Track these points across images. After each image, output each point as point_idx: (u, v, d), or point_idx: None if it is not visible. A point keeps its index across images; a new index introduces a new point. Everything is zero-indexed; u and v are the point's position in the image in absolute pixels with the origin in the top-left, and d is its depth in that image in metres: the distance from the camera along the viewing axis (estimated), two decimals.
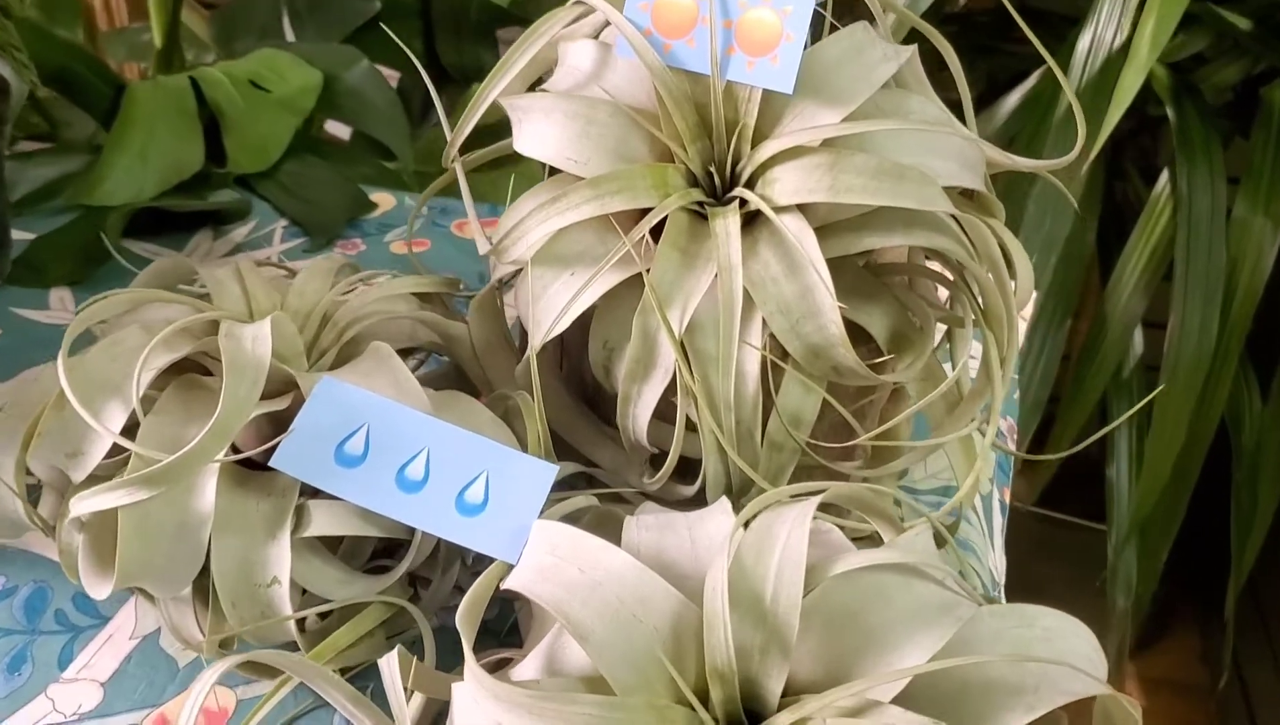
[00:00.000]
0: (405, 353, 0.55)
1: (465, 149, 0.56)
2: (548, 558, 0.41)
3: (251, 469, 0.48)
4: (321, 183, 0.86)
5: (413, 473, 0.45)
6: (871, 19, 0.50)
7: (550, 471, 0.45)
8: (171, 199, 0.81)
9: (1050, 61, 0.51)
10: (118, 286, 0.60)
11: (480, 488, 0.44)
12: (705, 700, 0.38)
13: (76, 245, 0.78)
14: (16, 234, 0.78)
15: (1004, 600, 0.61)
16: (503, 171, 0.74)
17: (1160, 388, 1.13)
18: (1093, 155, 0.88)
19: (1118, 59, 1.00)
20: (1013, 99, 1.24)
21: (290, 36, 1.14)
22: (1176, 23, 0.85)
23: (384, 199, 0.86)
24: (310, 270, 0.55)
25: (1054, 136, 1.02)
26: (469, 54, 1.15)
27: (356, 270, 0.58)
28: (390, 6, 1.13)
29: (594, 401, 0.56)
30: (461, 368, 0.56)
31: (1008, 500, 0.66)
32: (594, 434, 0.55)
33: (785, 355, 0.48)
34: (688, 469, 0.51)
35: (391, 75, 1.25)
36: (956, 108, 0.56)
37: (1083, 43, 1.03)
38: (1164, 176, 1.17)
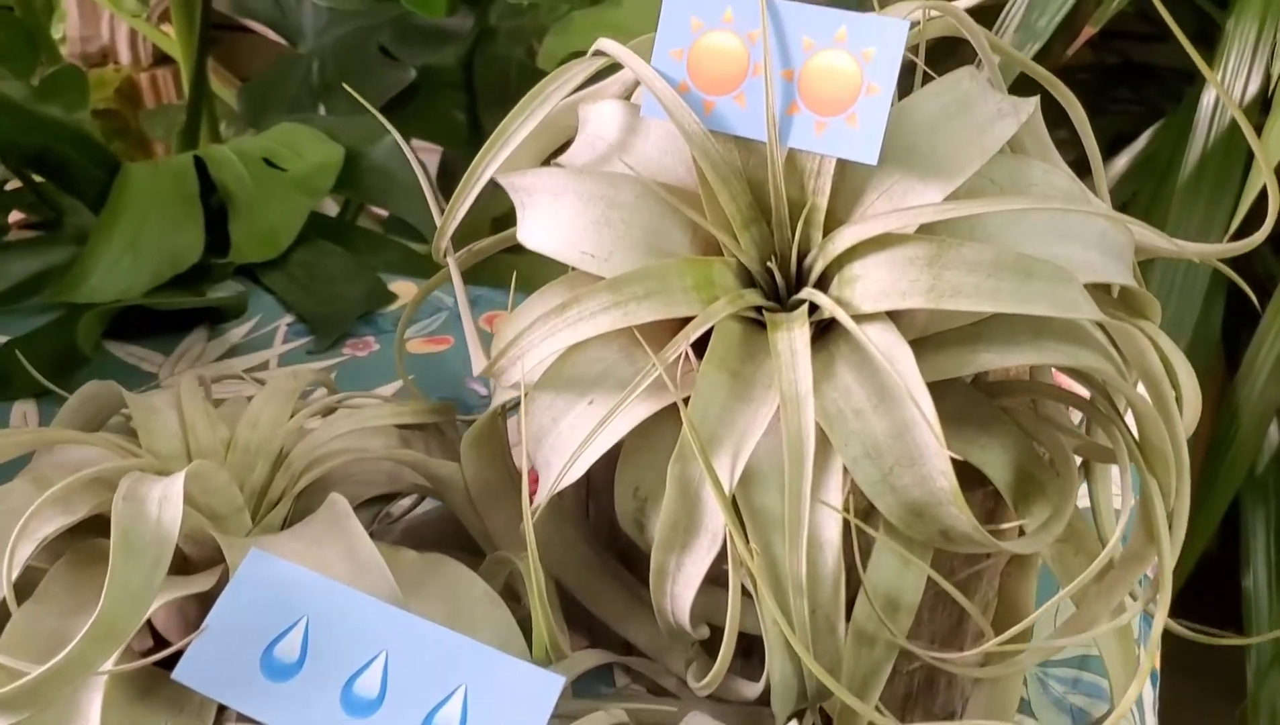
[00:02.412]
0: (388, 498, 0.44)
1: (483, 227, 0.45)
2: None
3: (160, 666, 0.36)
4: (335, 273, 0.76)
5: (365, 688, 0.33)
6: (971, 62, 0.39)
7: (554, 685, 0.33)
8: (163, 295, 0.71)
9: (1235, 109, 0.38)
10: None
11: (456, 709, 0.32)
12: None
13: (51, 351, 0.68)
14: None
15: None
16: (527, 254, 0.63)
17: None
18: (1232, 229, 0.75)
19: (1251, 112, 0.87)
20: (1121, 161, 1.11)
21: (322, 110, 1.04)
22: None
23: (406, 289, 0.76)
24: (268, 393, 0.43)
25: (1179, 202, 0.88)
26: None
27: (332, 389, 0.47)
28: (429, 75, 1.03)
29: (629, 556, 0.44)
30: (457, 515, 0.44)
31: (1158, 665, 0.52)
32: (628, 604, 0.43)
33: (871, 510, 0.35)
34: (750, 647, 0.39)
35: (434, 149, 1.16)
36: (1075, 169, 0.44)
37: (1207, 98, 0.90)
38: None
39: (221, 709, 0.35)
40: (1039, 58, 0.92)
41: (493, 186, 0.43)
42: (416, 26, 1.02)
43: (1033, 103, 0.38)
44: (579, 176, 0.38)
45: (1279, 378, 1.03)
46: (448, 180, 1.13)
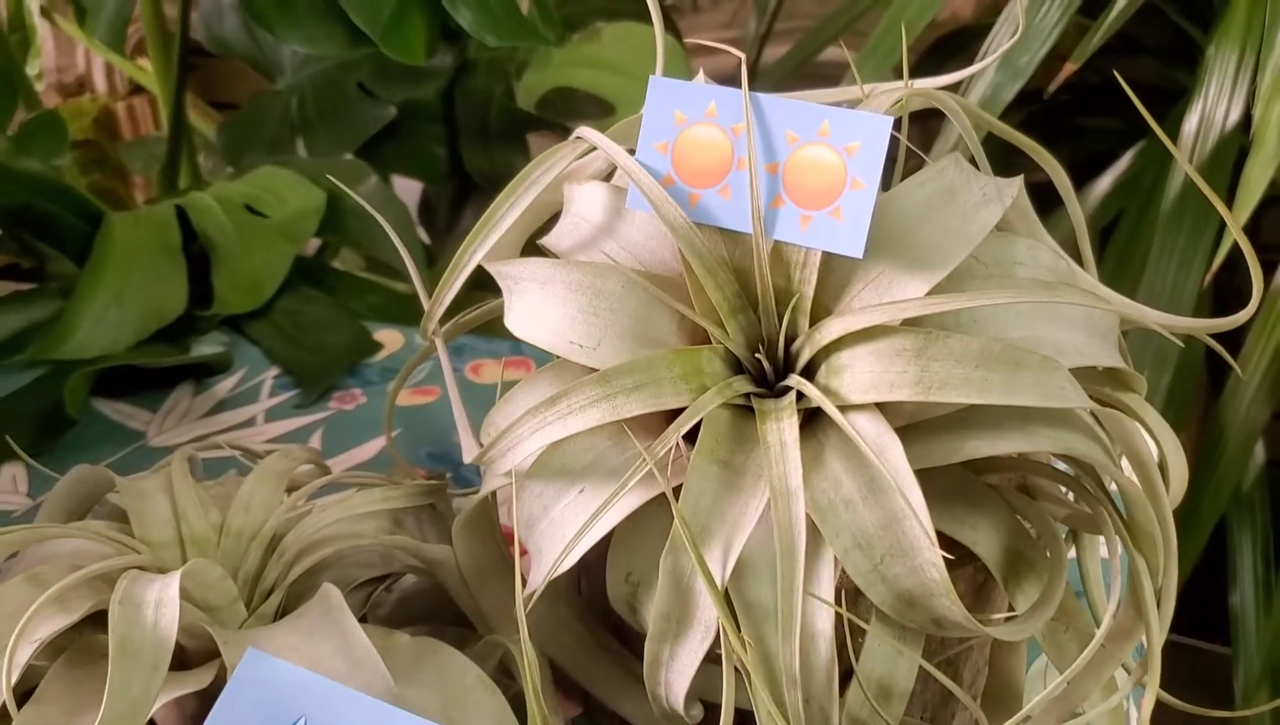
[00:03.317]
0: (376, 581, 0.44)
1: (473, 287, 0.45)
2: None
3: None
4: (320, 322, 0.76)
5: None
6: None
7: None
8: (149, 351, 0.71)
9: (1174, 148, 0.39)
10: (80, 459, 0.50)
11: None
12: None
13: (37, 410, 0.68)
14: None
15: None
16: None
17: None
18: (1216, 267, 0.75)
19: (1232, 140, 0.88)
20: (1104, 182, 1.12)
21: (302, 146, 1.04)
22: None
23: (391, 338, 0.76)
24: (259, 476, 0.43)
25: (1163, 228, 0.89)
26: (498, 158, 1.05)
27: (323, 469, 0.47)
28: (409, 110, 1.03)
29: (623, 631, 0.44)
30: (450, 594, 0.44)
31: (1147, 714, 0.53)
32: (623, 681, 0.43)
33: (860, 597, 0.36)
34: (745, 722, 0.39)
35: (414, 185, 1.16)
36: (1036, 186, 0.44)
37: (1190, 122, 0.91)
38: None
39: None
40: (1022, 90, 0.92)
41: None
42: (395, 63, 1.02)
43: (1016, 184, 0.38)
44: (566, 266, 0.38)
45: (1263, 397, 1.04)
46: (429, 214, 1.13)
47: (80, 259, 0.77)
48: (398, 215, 0.86)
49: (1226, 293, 1.18)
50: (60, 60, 1.62)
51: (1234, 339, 1.08)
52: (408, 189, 1.11)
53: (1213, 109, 0.88)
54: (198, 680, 0.37)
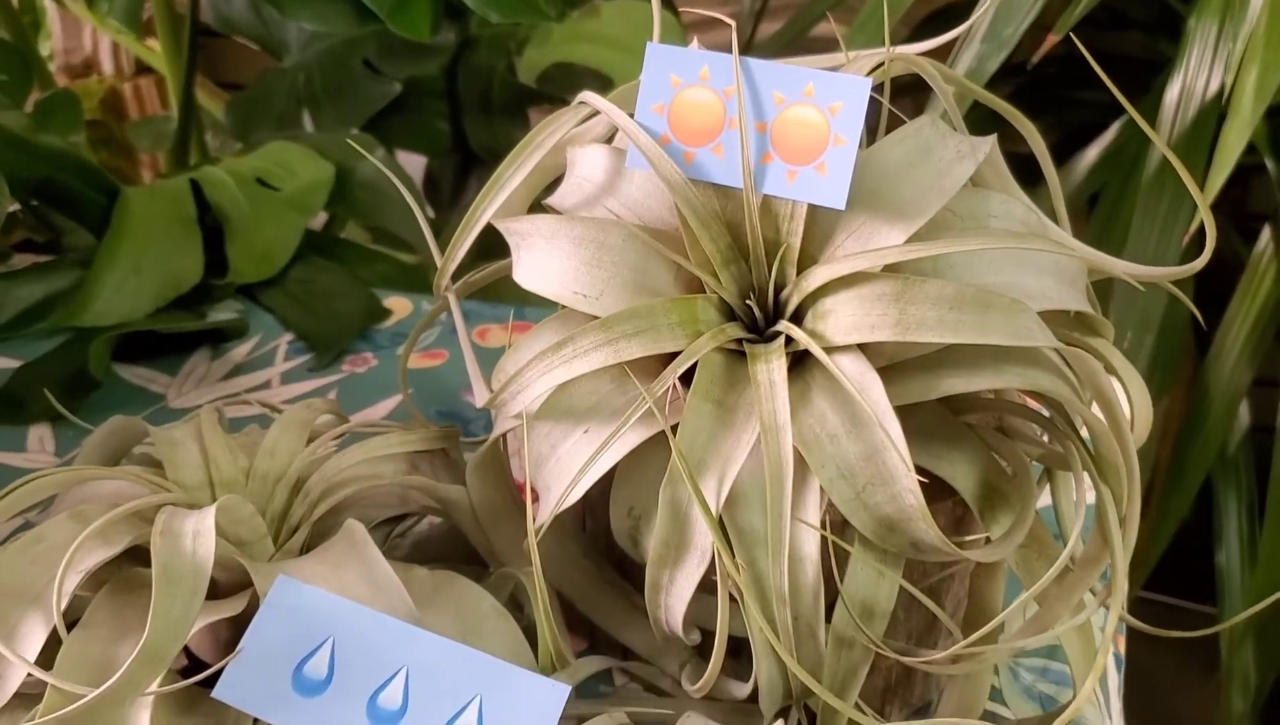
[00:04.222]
0: (395, 520, 0.47)
1: (479, 253, 0.48)
2: None
3: (203, 685, 0.39)
4: (331, 290, 0.79)
5: (388, 701, 0.36)
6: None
7: (560, 694, 0.36)
8: (166, 318, 0.74)
9: (1143, 123, 0.41)
10: (104, 419, 0.53)
11: (472, 718, 0.35)
12: None
13: (62, 374, 0.70)
14: (0, 361, 0.71)
15: None
16: None
17: (1274, 469, 1.01)
18: (1193, 229, 0.78)
19: (1212, 109, 0.90)
20: (1091, 153, 1.14)
21: (309, 122, 1.07)
22: None
23: (400, 305, 0.79)
24: (284, 424, 0.46)
25: (1145, 196, 0.91)
26: (500, 133, 1.07)
27: (341, 418, 0.50)
28: (414, 86, 1.06)
29: (625, 567, 0.47)
30: (464, 533, 0.47)
31: (1124, 650, 0.56)
32: (626, 612, 0.46)
33: (847, 524, 0.39)
34: (739, 647, 0.42)
35: (419, 159, 1.18)
36: (1025, 160, 0.47)
37: (1171, 92, 0.93)
38: (1266, 232, 1.06)
39: (256, 722, 0.38)
40: (1008, 60, 0.95)
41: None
42: (400, 40, 1.05)
43: (989, 141, 0.41)
44: (570, 222, 0.41)
45: (1247, 360, 1.07)
46: (433, 188, 1.15)
47: (99, 231, 0.79)
48: (406, 186, 0.88)
49: (1215, 264, 1.21)
50: (68, 42, 1.64)
51: (1219, 306, 1.11)
52: (412, 163, 1.14)
53: (1193, 79, 0.91)
54: (231, 608, 0.39)
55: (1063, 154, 1.20)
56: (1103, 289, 0.95)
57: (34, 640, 0.38)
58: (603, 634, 0.47)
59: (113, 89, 1.65)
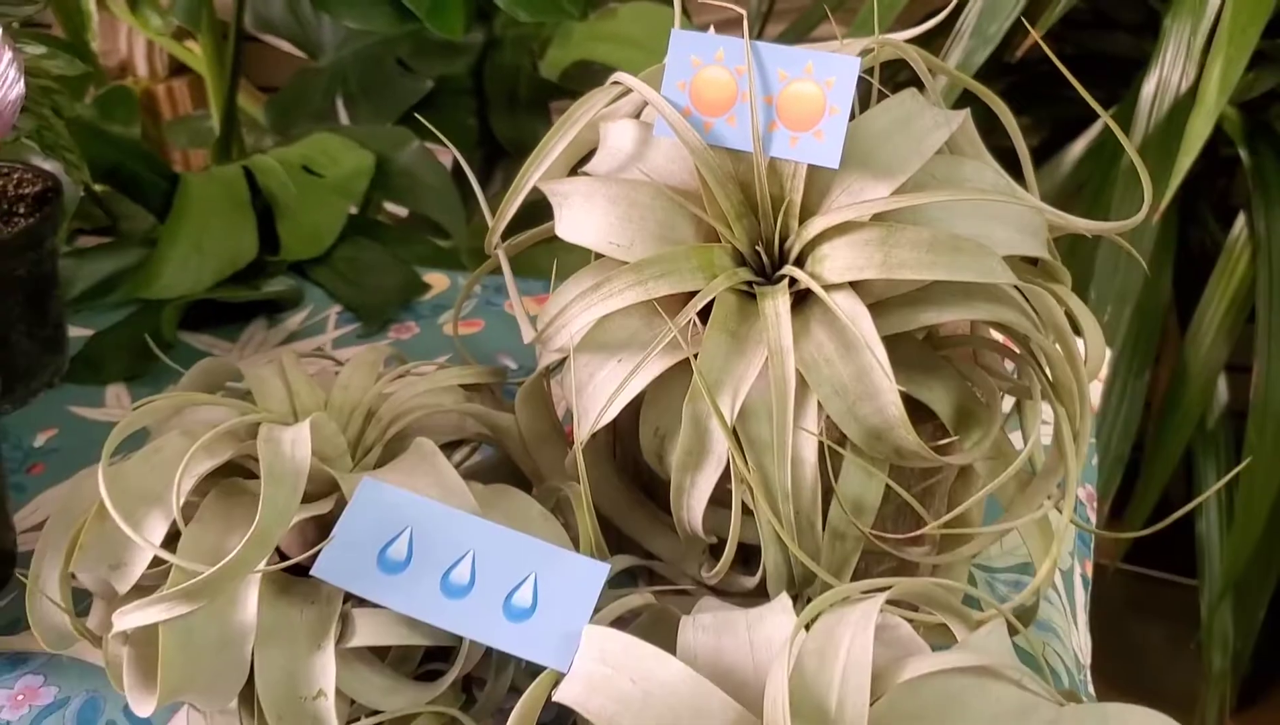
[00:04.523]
0: (453, 445, 0.54)
1: (515, 226, 0.55)
2: (598, 667, 0.39)
3: (295, 572, 0.47)
4: (375, 266, 0.86)
5: (458, 577, 0.43)
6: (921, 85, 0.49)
7: (601, 571, 0.43)
8: (226, 290, 0.81)
9: (1104, 115, 0.49)
10: (173, 382, 0.60)
11: (528, 590, 0.43)
12: None
13: (133, 340, 0.78)
14: (74, 330, 0.78)
15: (1090, 682, 0.58)
16: (556, 245, 0.73)
17: (1248, 438, 1.08)
18: (1164, 206, 0.85)
19: (1185, 102, 0.97)
20: (1077, 147, 1.22)
21: (344, 118, 1.14)
22: (1245, 64, 0.82)
23: (438, 280, 0.86)
24: (355, 363, 0.54)
25: (1122, 185, 0.98)
26: (525, 127, 1.14)
27: (403, 361, 0.57)
28: (443, 84, 1.13)
29: (650, 488, 0.54)
30: (512, 459, 0.54)
31: (1090, 573, 0.63)
32: (650, 523, 0.53)
33: (843, 439, 0.46)
34: (749, 556, 0.49)
35: (446, 154, 1.26)
36: (1014, 156, 0.54)
37: (1148, 87, 1.00)
38: (1240, 219, 1.13)
39: (344, 601, 0.45)
40: (997, 56, 1.02)
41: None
42: (431, 40, 1.12)
43: (963, 114, 0.48)
44: (605, 182, 0.48)
45: (1223, 337, 1.14)
46: (460, 180, 1.23)
47: (161, 214, 0.87)
48: (439, 175, 0.96)
49: (1198, 254, 1.28)
50: (105, 45, 1.72)
51: (1196, 290, 1.18)
52: (440, 157, 1.21)
53: (1169, 74, 0.98)
54: (321, 508, 0.47)
55: (1052, 148, 1.27)
56: (1084, 271, 1.03)
57: (157, 533, 0.45)
58: (630, 548, 0.54)
59: (147, 90, 1.73)
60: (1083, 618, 0.59)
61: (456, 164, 1.23)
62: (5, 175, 0.75)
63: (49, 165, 0.76)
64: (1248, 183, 1.11)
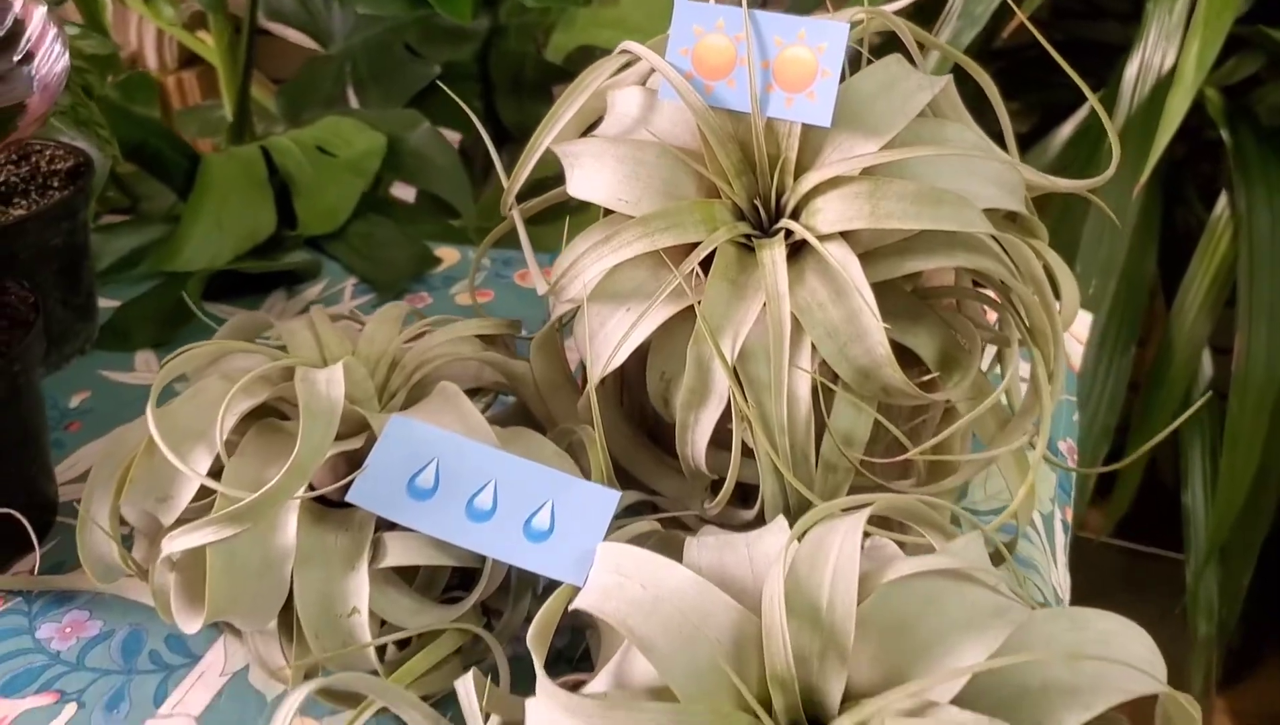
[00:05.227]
0: (471, 393, 0.57)
1: (521, 200, 0.58)
2: (613, 577, 0.42)
3: (329, 506, 0.50)
4: (388, 241, 0.89)
5: (481, 503, 0.47)
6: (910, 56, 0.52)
7: (613, 498, 0.47)
8: (247, 262, 0.85)
9: (1087, 91, 0.52)
10: None
11: (546, 515, 0.46)
12: (768, 707, 0.39)
13: (159, 310, 0.82)
14: (101, 302, 0.82)
15: None
16: (558, 224, 0.77)
17: (1230, 408, 1.12)
18: (1144, 178, 0.88)
19: (1166, 83, 1.01)
20: (1065, 130, 1.25)
21: (354, 104, 1.18)
22: (1221, 44, 0.86)
23: (448, 253, 0.89)
24: (379, 317, 0.57)
25: (1106, 166, 1.02)
26: (528, 111, 1.18)
27: (423, 317, 0.60)
28: (450, 70, 1.17)
29: (655, 434, 0.58)
30: (526, 406, 0.58)
31: (1069, 519, 0.67)
32: (655, 465, 0.56)
33: (835, 378, 0.49)
34: (746, 494, 0.53)
35: (454, 137, 1.29)
36: (1003, 141, 0.57)
37: (1130, 69, 1.04)
38: (1222, 199, 1.17)
39: (375, 528, 0.49)
40: (986, 39, 1.06)
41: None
42: (439, 26, 1.16)
43: (945, 79, 0.52)
44: (613, 143, 0.52)
45: (1207, 314, 1.17)
46: (466, 162, 1.26)
47: (183, 191, 0.90)
48: (448, 155, 1.00)
49: (1184, 235, 1.32)
50: (116, 37, 1.75)
51: (1183, 271, 1.21)
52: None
53: (1150, 56, 1.01)
54: (351, 444, 0.50)
55: (1040, 133, 1.31)
56: (1070, 243, 1.06)
57: (202, 465, 0.49)
58: (636, 486, 0.58)
59: (157, 82, 1.76)
60: (1062, 558, 0.63)
61: (459, 149, 1.27)
62: (38, 152, 0.79)
63: (78, 144, 0.80)
64: (1229, 164, 1.14)
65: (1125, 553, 1.58)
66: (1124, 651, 0.40)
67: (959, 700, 0.38)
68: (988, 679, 0.39)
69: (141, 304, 0.82)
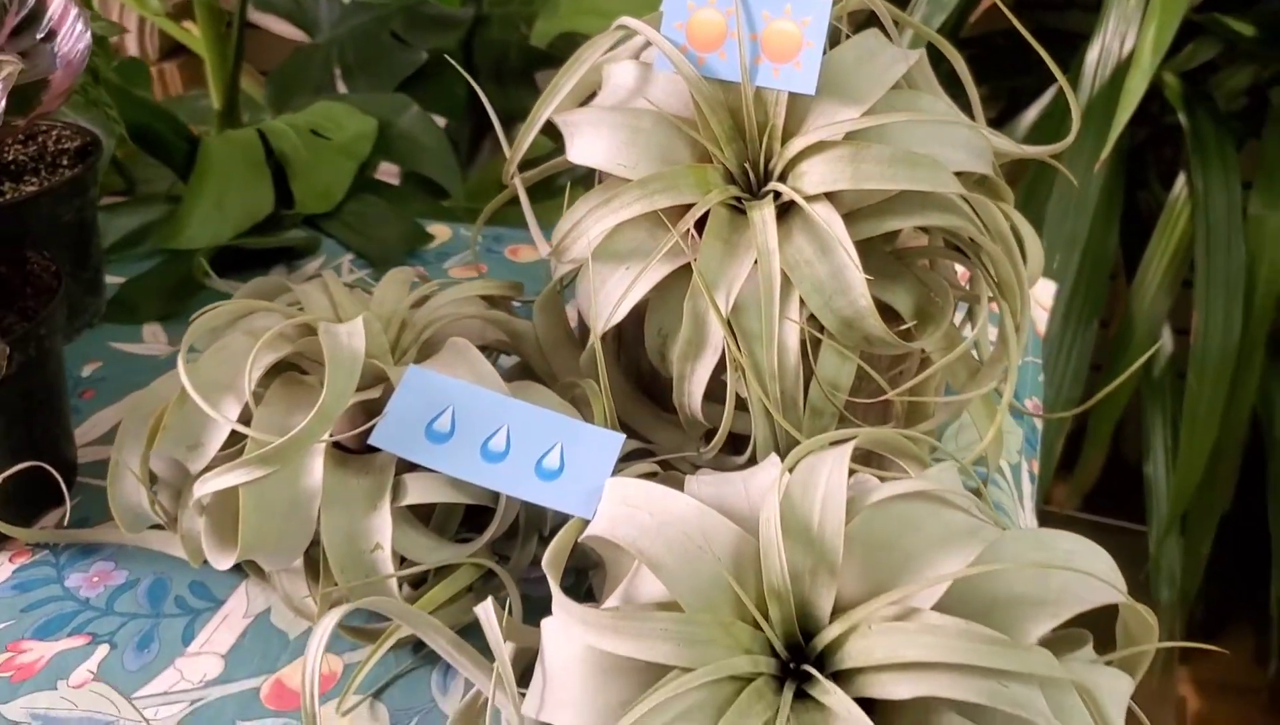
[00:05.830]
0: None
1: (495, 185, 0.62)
2: (621, 507, 0.46)
3: (350, 453, 0.54)
4: (381, 219, 0.93)
5: (495, 445, 0.50)
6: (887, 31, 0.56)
7: (618, 439, 0.50)
8: (248, 240, 0.88)
9: (1055, 70, 0.56)
10: None
11: (556, 456, 0.50)
12: (765, 618, 0.43)
13: (164, 285, 0.84)
14: (107, 277, 0.85)
15: None
16: (549, 202, 0.80)
17: (1189, 382, 1.17)
18: (1105, 154, 0.93)
19: (1126, 67, 1.05)
20: (1030, 115, 1.30)
21: (342, 90, 1.21)
22: (1176, 28, 0.90)
23: (440, 230, 0.93)
24: (388, 281, 0.61)
25: (1069, 148, 1.06)
26: (512, 97, 1.22)
27: (427, 280, 0.64)
28: (436, 57, 1.20)
29: (650, 390, 0.61)
30: (528, 364, 0.61)
31: (1036, 471, 0.71)
32: (652, 418, 0.60)
33: (822, 329, 0.53)
34: (737, 445, 0.56)
35: (439, 121, 1.33)
36: (973, 116, 0.61)
37: (1091, 55, 1.09)
38: (1180, 180, 1.21)
39: (396, 471, 0.52)
40: (955, 26, 1.10)
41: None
42: (424, 14, 1.19)
43: (918, 52, 0.56)
44: (611, 112, 0.55)
45: (1166, 291, 1.22)
46: (452, 147, 1.30)
47: (183, 172, 0.93)
48: (437, 138, 1.03)
49: (1145, 217, 1.36)
50: None
51: (1140, 245, 1.26)
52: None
53: (1110, 41, 1.06)
54: (370, 394, 0.54)
55: (1007, 116, 1.36)
56: (1036, 218, 1.11)
57: (231, 414, 0.52)
58: (635, 438, 0.61)
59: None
60: (1029, 504, 0.67)
61: (447, 130, 1.30)
62: (46, 131, 0.82)
63: (83, 124, 0.83)
64: (1187, 146, 1.19)
65: (1091, 525, 1.63)
66: (1086, 567, 0.44)
67: (936, 611, 0.42)
68: (962, 591, 0.43)
69: (147, 279, 0.85)
